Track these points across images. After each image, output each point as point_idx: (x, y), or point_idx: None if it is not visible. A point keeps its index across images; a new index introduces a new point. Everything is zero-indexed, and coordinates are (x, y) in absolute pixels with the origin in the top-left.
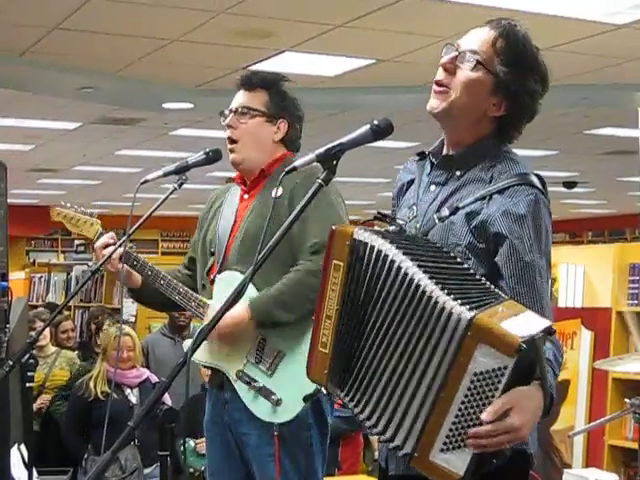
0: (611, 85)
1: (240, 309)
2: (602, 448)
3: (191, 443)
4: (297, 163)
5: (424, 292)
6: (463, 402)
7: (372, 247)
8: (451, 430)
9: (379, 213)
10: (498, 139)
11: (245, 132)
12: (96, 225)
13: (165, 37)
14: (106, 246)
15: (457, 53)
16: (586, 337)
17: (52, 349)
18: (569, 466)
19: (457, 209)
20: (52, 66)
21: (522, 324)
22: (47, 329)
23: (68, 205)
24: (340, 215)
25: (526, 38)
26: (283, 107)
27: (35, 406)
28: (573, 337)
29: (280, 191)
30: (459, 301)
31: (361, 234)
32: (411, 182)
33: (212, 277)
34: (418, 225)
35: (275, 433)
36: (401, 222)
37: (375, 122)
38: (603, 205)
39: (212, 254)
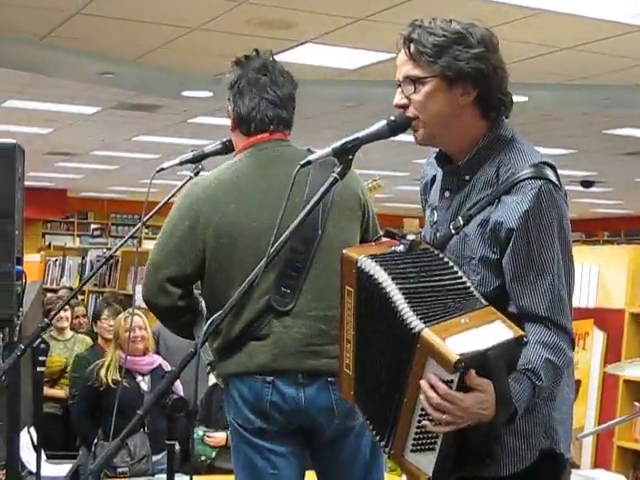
0: (632, 86)
1: None
2: (611, 449)
3: (199, 432)
4: (313, 157)
5: (398, 313)
6: (423, 408)
7: (373, 279)
8: (417, 433)
9: (388, 231)
10: (494, 129)
11: None
12: None
13: (186, 25)
14: None
15: (399, 87)
16: (598, 338)
17: (70, 333)
18: (577, 467)
19: (470, 217)
20: (72, 51)
21: (478, 337)
22: (68, 312)
23: None
24: None
25: (432, 25)
26: None
27: (64, 393)
28: (585, 337)
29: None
30: (419, 316)
31: (365, 263)
32: (434, 178)
33: None
34: (438, 234)
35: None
36: (412, 237)
37: (392, 117)
38: (620, 205)
39: None
